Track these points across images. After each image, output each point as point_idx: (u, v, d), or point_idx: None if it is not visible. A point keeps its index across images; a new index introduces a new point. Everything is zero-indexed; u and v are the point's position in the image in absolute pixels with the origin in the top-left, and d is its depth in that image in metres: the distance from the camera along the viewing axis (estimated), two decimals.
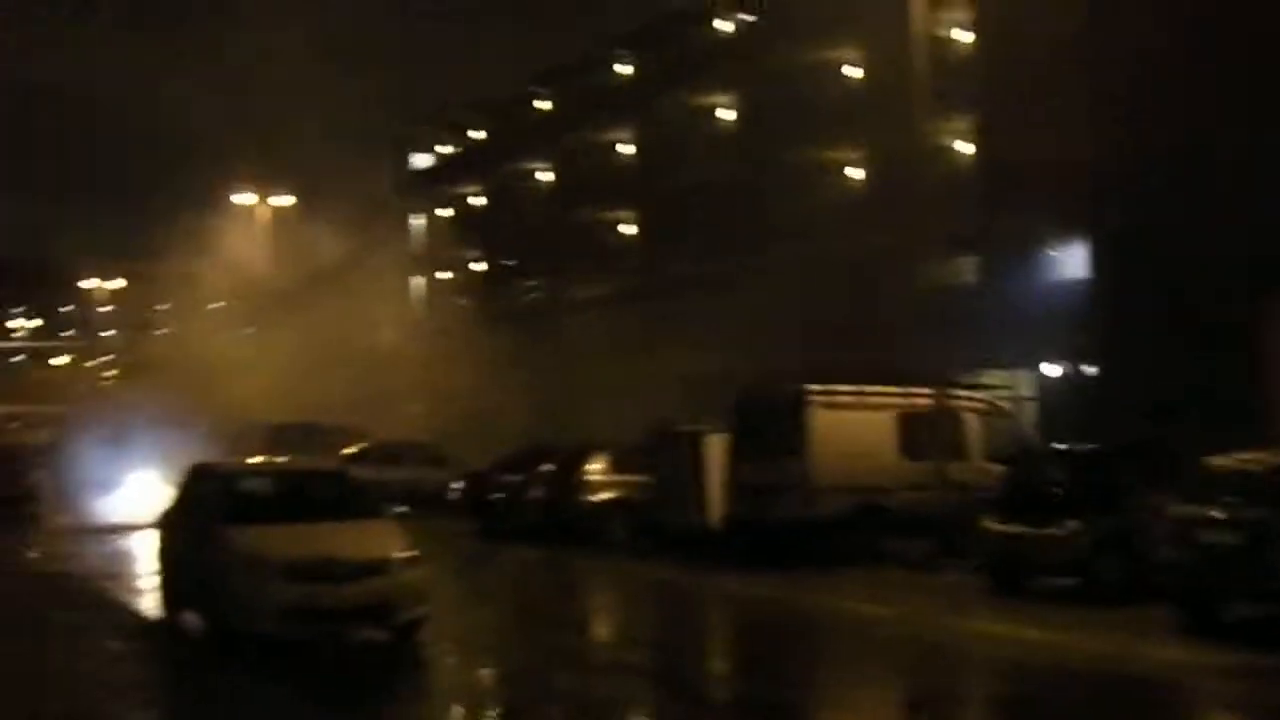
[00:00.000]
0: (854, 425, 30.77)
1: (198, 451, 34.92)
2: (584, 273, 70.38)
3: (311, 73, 69.09)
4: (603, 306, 67.61)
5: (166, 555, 23.30)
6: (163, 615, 22.71)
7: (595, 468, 36.58)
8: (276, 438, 47.02)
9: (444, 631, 21.05)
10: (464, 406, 59.18)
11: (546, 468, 37.59)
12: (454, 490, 42.32)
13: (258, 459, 30.15)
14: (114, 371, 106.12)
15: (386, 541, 20.50)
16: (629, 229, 68.78)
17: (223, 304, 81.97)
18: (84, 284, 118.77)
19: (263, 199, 75.69)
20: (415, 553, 20.39)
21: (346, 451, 44.85)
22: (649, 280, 63.80)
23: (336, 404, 56.81)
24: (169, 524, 23.56)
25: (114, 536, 37.82)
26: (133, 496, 42.94)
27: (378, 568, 19.78)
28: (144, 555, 28.07)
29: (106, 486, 48.89)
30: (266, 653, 18.86)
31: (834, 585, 27.13)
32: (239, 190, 75.71)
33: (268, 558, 19.41)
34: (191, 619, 21.22)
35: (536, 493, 37.44)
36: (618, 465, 36.27)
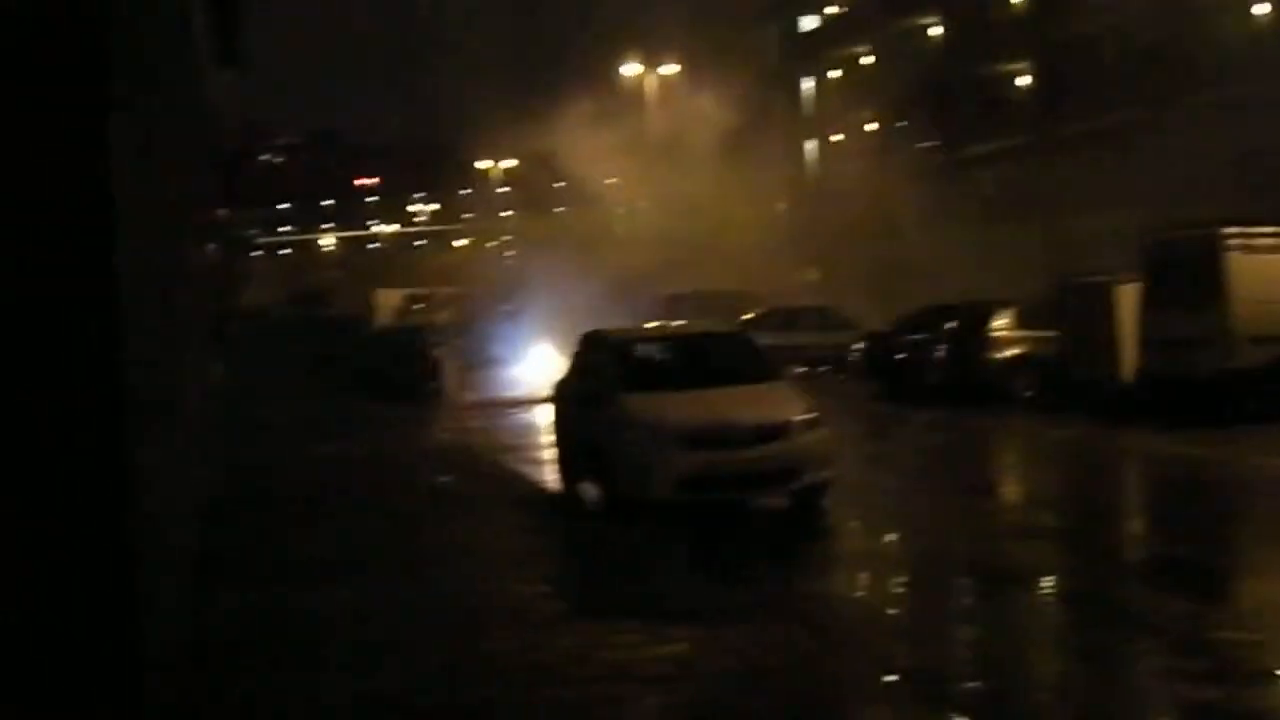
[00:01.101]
0: (1276, 271, 28.91)
1: (594, 324, 34.80)
2: (978, 129, 68.45)
3: None
4: (998, 163, 65.84)
5: (563, 426, 23.05)
6: (560, 486, 22.51)
7: (1000, 324, 35.31)
8: (673, 307, 46.84)
9: (846, 496, 20.33)
10: (859, 269, 58.37)
11: (949, 326, 36.46)
12: (854, 352, 41.40)
13: (653, 324, 29.87)
14: (512, 251, 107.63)
15: (786, 405, 19.83)
16: (1024, 82, 66.54)
17: (616, 179, 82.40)
18: (480, 165, 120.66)
19: (651, 69, 75.67)
20: (816, 415, 19.71)
21: (744, 317, 44.29)
22: (1046, 134, 61.66)
23: (732, 271, 56.46)
24: (565, 394, 23.31)
25: (514, 410, 38.07)
26: (533, 370, 43.21)
27: (778, 432, 19.13)
28: (542, 428, 27.98)
29: (507, 362, 49.42)
30: (664, 521, 18.41)
31: (1255, 442, 25.34)
32: (627, 62, 75.85)
33: (665, 424, 18.97)
34: (588, 489, 20.91)
35: (939, 352, 36.29)
36: (1023, 321, 34.97)
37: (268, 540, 17.75)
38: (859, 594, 15.85)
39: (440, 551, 16.90)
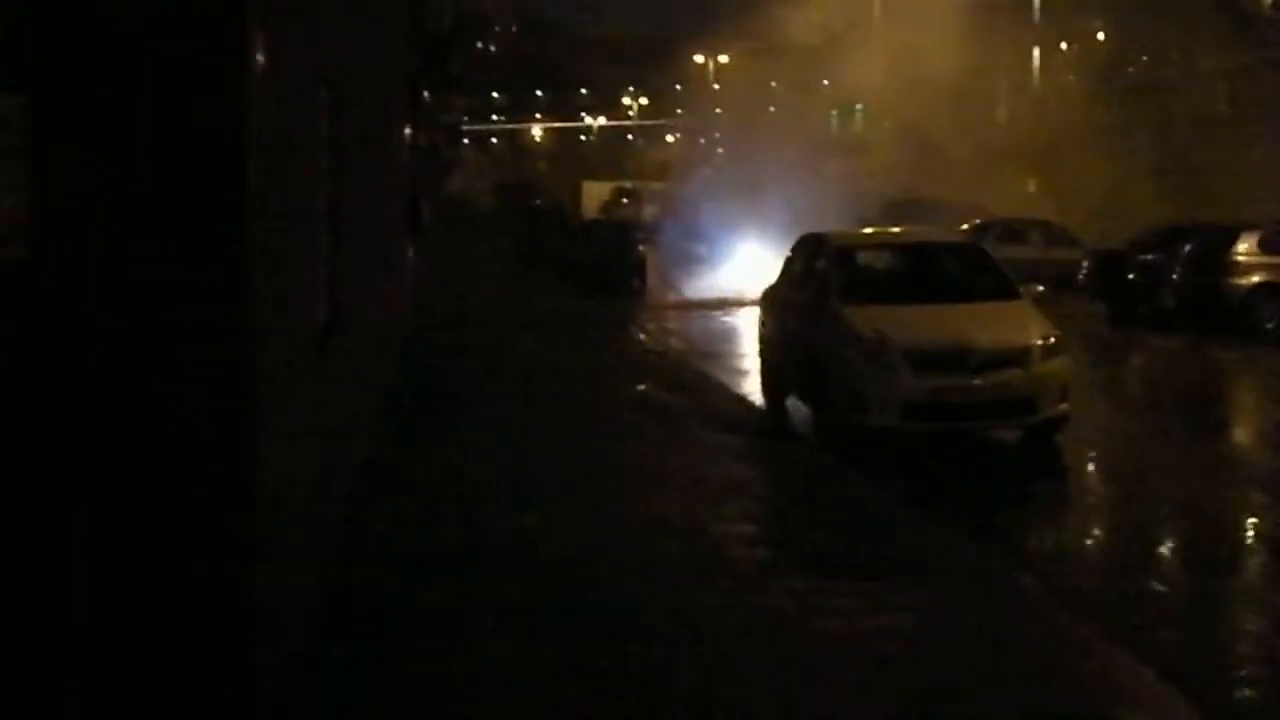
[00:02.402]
0: None
1: (805, 227, 32.99)
2: (1214, 42, 65.14)
3: None
4: (1234, 78, 62.67)
5: (770, 336, 21.20)
6: (764, 403, 20.70)
7: (1243, 249, 32.89)
8: (888, 213, 44.94)
9: (1081, 431, 18.32)
10: (1082, 184, 55.86)
11: (1187, 248, 34.01)
12: (1081, 270, 38.99)
13: (877, 230, 27.90)
14: (723, 149, 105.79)
15: (1025, 326, 17.79)
16: None
17: (830, 80, 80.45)
18: (696, 59, 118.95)
19: None
20: (1058, 339, 17.67)
21: (964, 227, 42.05)
22: None
23: (949, 179, 54.28)
24: (774, 301, 21.43)
25: (718, 313, 36.46)
26: (739, 271, 41.44)
27: (1015, 357, 17.16)
28: (747, 334, 26.17)
29: (713, 261, 47.82)
30: (882, 451, 16.56)
31: None
32: None
33: (890, 342, 17.03)
34: (796, 408, 19.09)
35: (1175, 275, 33.89)
36: (1269, 247, 32.57)
37: (432, 457, 16.02)
38: (1104, 551, 13.86)
39: (631, 475, 15.12)
